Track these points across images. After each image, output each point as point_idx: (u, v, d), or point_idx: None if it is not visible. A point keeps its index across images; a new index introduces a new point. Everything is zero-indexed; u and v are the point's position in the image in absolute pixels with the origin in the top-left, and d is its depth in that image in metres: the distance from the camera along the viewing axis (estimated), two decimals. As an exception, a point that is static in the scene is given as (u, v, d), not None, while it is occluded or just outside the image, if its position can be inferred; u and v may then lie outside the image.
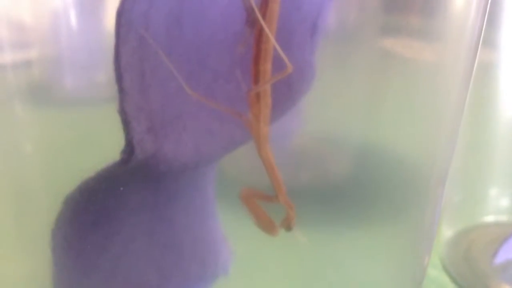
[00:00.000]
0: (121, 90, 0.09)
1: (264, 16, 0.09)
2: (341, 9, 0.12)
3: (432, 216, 0.15)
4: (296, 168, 0.13)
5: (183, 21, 0.09)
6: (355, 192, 0.13)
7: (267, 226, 0.09)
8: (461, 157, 0.22)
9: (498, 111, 0.22)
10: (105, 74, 0.11)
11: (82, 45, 0.11)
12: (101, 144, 0.11)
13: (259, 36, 0.09)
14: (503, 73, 0.22)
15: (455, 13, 0.13)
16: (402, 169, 0.14)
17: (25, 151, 0.12)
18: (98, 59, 0.11)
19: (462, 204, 0.22)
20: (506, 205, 0.21)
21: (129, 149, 0.09)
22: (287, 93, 0.12)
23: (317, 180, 0.13)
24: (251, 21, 0.09)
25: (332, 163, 0.13)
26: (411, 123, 0.13)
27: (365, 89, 0.13)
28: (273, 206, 0.10)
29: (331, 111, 0.13)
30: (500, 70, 0.22)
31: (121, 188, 0.10)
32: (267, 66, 0.09)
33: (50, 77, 0.11)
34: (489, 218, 0.21)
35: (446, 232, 0.21)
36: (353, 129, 0.13)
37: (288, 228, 0.09)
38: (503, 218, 0.21)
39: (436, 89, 0.13)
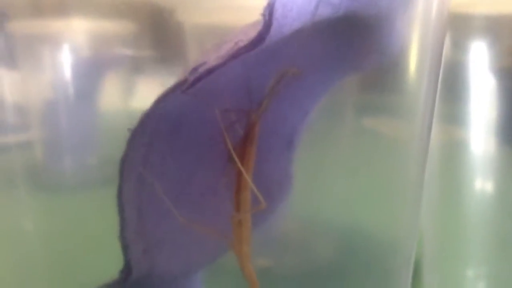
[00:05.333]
0: (122, 219, 0.11)
1: (243, 155, 0.11)
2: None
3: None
4: (279, 254, 0.15)
5: (174, 153, 0.12)
6: (331, 277, 0.14)
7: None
8: (437, 240, 0.24)
9: (471, 192, 0.24)
10: (97, 158, 0.13)
11: (77, 129, 0.12)
12: (96, 227, 0.12)
13: (239, 171, 0.11)
14: (475, 152, 0.24)
15: (408, 91, 0.14)
16: (375, 251, 0.15)
17: (24, 234, 0.13)
18: (91, 142, 0.12)
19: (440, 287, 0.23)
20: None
21: (127, 269, 0.11)
22: (267, 202, 0.14)
23: (298, 265, 0.15)
24: (233, 159, 0.11)
25: (314, 246, 0.15)
26: (382, 201, 0.14)
27: (341, 169, 0.14)
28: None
29: (313, 194, 0.15)
30: (471, 149, 0.24)
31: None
32: (247, 196, 0.11)
33: (45, 161, 0.13)
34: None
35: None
36: (333, 210, 0.15)
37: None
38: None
39: (403, 166, 0.15)
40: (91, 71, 0.12)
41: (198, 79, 0.09)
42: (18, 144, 0.12)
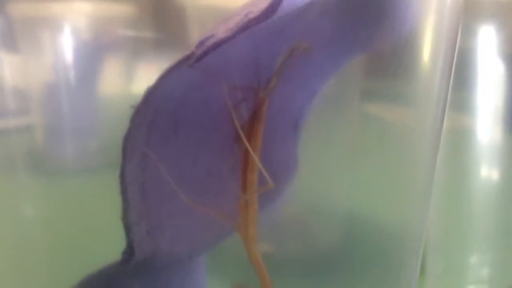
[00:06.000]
0: (125, 200, 0.10)
1: (250, 135, 0.10)
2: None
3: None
4: (283, 239, 0.14)
5: (178, 132, 0.11)
6: (335, 263, 0.14)
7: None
8: (441, 226, 0.23)
9: (477, 179, 0.24)
10: (98, 142, 0.13)
11: (78, 113, 0.12)
12: (98, 212, 0.12)
13: (246, 151, 0.10)
14: (481, 140, 0.24)
15: (422, 76, 0.14)
16: (381, 238, 0.15)
17: (25, 220, 0.13)
18: (92, 126, 0.12)
19: (444, 274, 0.23)
20: (487, 274, 0.23)
21: (130, 250, 0.11)
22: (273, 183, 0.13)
23: (302, 250, 0.14)
24: (239, 139, 0.11)
25: (318, 233, 0.15)
26: (390, 189, 0.14)
27: (347, 155, 0.14)
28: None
29: (317, 180, 0.14)
30: (477, 136, 0.24)
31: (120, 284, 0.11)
32: (254, 177, 0.11)
33: (45, 146, 0.12)
34: (471, 288, 0.23)
35: (430, 303, 0.23)
36: (336, 197, 0.14)
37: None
38: (484, 287, 0.23)
39: (413, 154, 0.14)
40: (92, 54, 0.12)
41: (205, 52, 0.09)
42: (18, 129, 0.12)
